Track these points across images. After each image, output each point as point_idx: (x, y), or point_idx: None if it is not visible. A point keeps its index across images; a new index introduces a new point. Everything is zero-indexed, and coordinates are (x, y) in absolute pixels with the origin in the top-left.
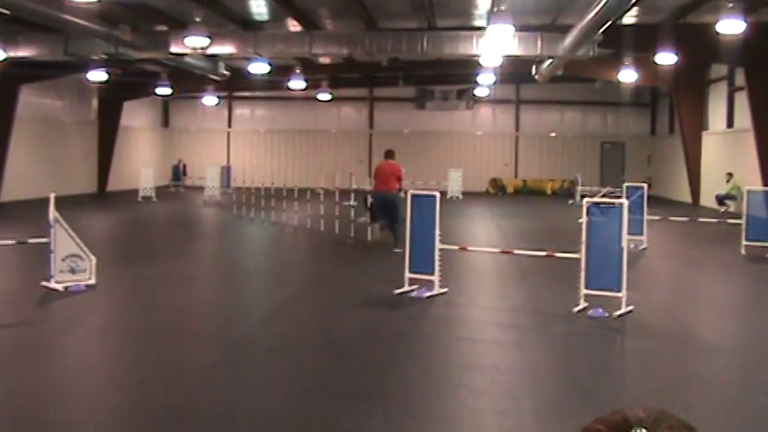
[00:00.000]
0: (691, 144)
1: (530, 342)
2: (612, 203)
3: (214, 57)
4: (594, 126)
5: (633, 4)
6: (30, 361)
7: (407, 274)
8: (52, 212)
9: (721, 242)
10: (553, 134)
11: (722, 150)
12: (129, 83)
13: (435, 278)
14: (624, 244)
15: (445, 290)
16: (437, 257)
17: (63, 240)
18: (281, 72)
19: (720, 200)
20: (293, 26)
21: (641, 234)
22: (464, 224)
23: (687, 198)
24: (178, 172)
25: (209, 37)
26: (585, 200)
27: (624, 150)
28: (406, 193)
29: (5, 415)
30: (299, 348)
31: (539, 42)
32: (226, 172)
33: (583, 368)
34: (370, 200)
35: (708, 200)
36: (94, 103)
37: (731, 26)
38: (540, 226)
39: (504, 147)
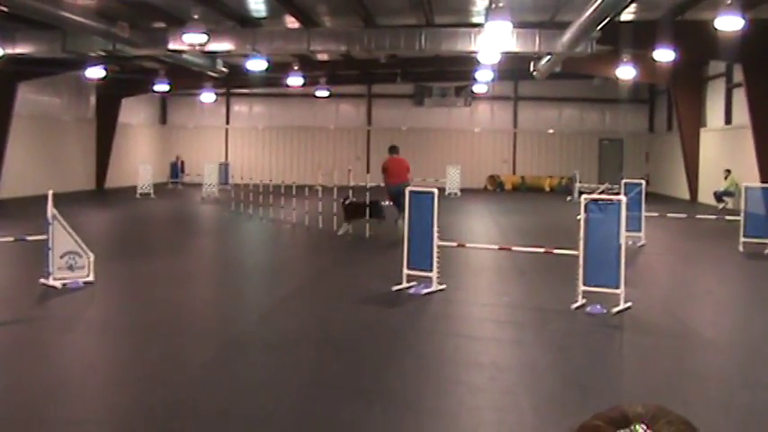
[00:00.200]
0: (689, 141)
1: (528, 339)
2: (611, 200)
3: (212, 54)
4: (593, 123)
5: (631, 1)
6: (28, 358)
7: (405, 271)
8: (50, 209)
9: (719, 239)
10: (551, 131)
11: (720, 147)
12: (128, 80)
13: (433, 275)
14: (622, 241)
15: (443, 286)
16: (435, 254)
17: (61, 237)
18: (279, 69)
19: (718, 196)
20: (291, 23)
21: (639, 231)
22: (462, 221)
23: (685, 195)
24: (176, 169)
25: (206, 34)
26: (584, 197)
27: (622, 147)
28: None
29: (4, 412)
30: (298, 345)
31: (537, 39)
32: (224, 169)
33: (581, 365)
34: (347, 200)
35: (706, 197)
36: (92, 100)
37: (729, 23)
38: (539, 223)
39: (503, 144)
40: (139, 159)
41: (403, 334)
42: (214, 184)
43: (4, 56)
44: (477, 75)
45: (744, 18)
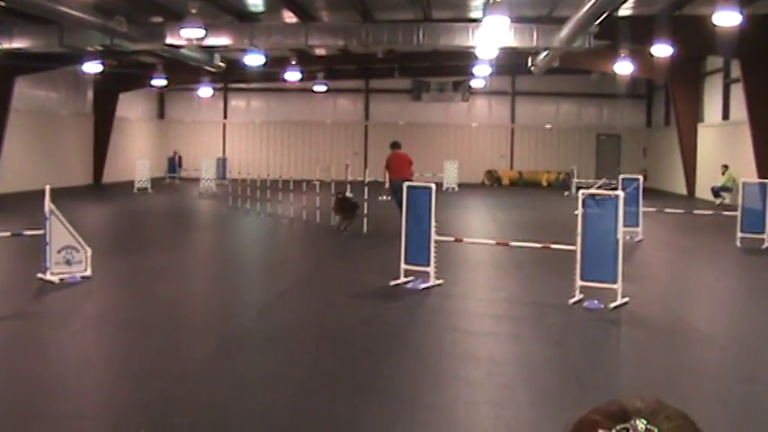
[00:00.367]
0: (686, 136)
1: (525, 333)
2: (608, 195)
3: (210, 48)
4: (590, 118)
5: None
6: (25, 353)
7: (403, 266)
8: (48, 204)
9: (717, 234)
10: (549, 126)
11: (718, 142)
12: (125, 74)
13: (431, 269)
14: (620, 235)
15: (441, 281)
16: (433, 249)
17: (59, 232)
18: (276, 63)
19: (716, 192)
20: (289, 17)
21: (637, 226)
22: (460, 216)
23: (683, 190)
24: (174, 163)
25: (204, 28)
26: (581, 191)
27: (620, 142)
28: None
29: (1, 407)
30: (295, 339)
31: (535, 34)
32: (221, 163)
33: (579, 359)
34: (340, 194)
35: (703, 192)
36: (90, 94)
37: (727, 18)
38: (536, 218)
39: (500, 138)
40: (137, 154)
41: (400, 329)
42: (212, 178)
43: (1, 50)
44: (475, 70)
45: (741, 13)
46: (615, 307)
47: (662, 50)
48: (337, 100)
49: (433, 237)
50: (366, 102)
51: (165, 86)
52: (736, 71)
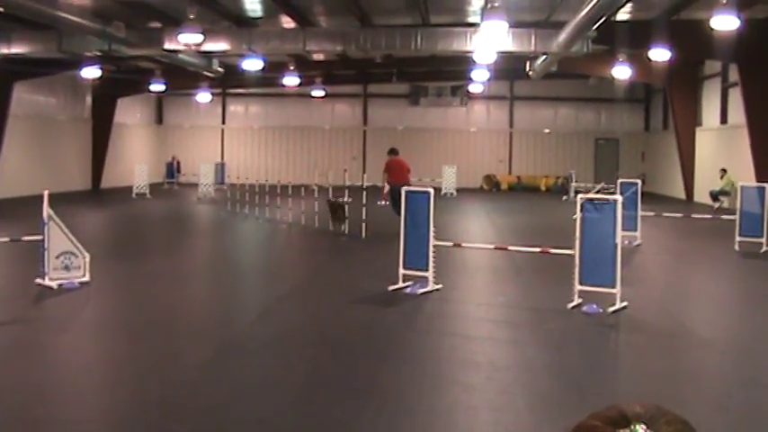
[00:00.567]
0: (684, 140)
1: (524, 338)
2: (606, 200)
3: (208, 53)
4: (588, 122)
5: (627, 1)
6: (24, 359)
7: (402, 271)
8: (46, 210)
9: (715, 238)
10: (547, 130)
11: (716, 146)
12: (123, 80)
13: (429, 274)
14: (618, 240)
15: (439, 286)
16: (431, 254)
17: (57, 238)
18: (274, 69)
19: (714, 196)
20: (287, 23)
21: (635, 230)
22: (458, 220)
23: (681, 194)
24: (172, 169)
25: (202, 34)
26: (580, 196)
27: (618, 147)
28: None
29: (1, 414)
30: (294, 345)
31: (533, 39)
32: (220, 169)
33: (577, 364)
34: (331, 201)
35: (702, 196)
36: (88, 100)
37: (725, 22)
38: (535, 222)
39: (499, 143)
40: (135, 159)
41: (399, 334)
42: (210, 184)
43: None
44: (473, 74)
45: (739, 18)
46: (614, 311)
47: (660, 55)
48: (335, 105)
49: (432, 242)
50: (364, 107)
51: (164, 92)
52: (734, 75)
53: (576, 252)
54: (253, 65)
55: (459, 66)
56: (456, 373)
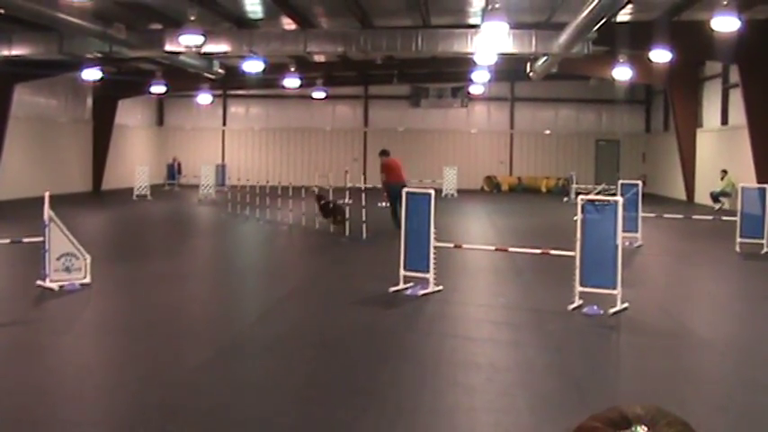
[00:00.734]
0: (685, 141)
1: (525, 340)
2: (607, 201)
3: (209, 55)
4: (589, 123)
5: (627, 2)
6: (25, 360)
7: (402, 272)
8: (47, 211)
9: (716, 239)
10: (548, 132)
11: (717, 147)
12: (124, 81)
13: (430, 276)
14: (619, 241)
15: (440, 288)
16: (432, 255)
17: (58, 239)
18: (275, 70)
19: (715, 197)
20: (288, 24)
21: (636, 231)
22: (459, 222)
23: (682, 195)
24: (173, 170)
25: (203, 35)
26: (580, 197)
27: (619, 148)
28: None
29: (1, 415)
30: (295, 346)
31: (533, 40)
32: (220, 170)
33: (578, 365)
34: (322, 201)
35: (702, 197)
36: (89, 101)
37: (725, 23)
38: (535, 223)
39: (499, 144)
40: (136, 161)
41: (400, 335)
42: (211, 185)
43: (0, 57)
44: (474, 76)
45: (740, 19)
46: (614, 313)
47: (660, 56)
48: (336, 106)
49: (433, 243)
50: (365, 108)
51: (165, 93)
52: (734, 76)
53: (577, 253)
54: (253, 66)
55: (459, 67)
56: (457, 374)
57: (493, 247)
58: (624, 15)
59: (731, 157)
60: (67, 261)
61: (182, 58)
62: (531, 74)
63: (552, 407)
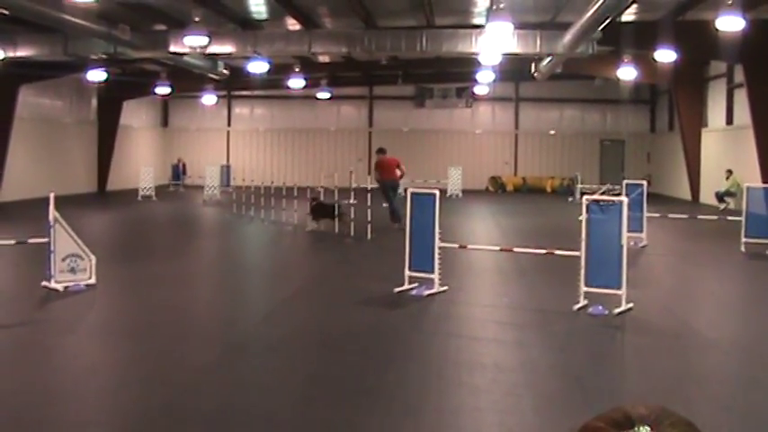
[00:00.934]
0: (690, 141)
1: (530, 340)
2: (612, 201)
3: (213, 56)
4: (594, 123)
5: (632, 2)
6: (30, 361)
7: (407, 273)
8: (52, 212)
9: (721, 239)
10: (552, 132)
11: (722, 147)
12: (129, 82)
13: (435, 276)
14: (624, 241)
15: (445, 288)
16: (437, 255)
17: (63, 240)
18: (280, 71)
19: (720, 197)
20: (292, 25)
21: (641, 231)
22: (464, 222)
23: (687, 195)
24: (178, 171)
25: (208, 36)
26: (585, 197)
27: (624, 148)
28: (405, 190)
29: (6, 415)
30: (300, 346)
31: (538, 40)
32: (225, 171)
33: (583, 365)
34: (315, 201)
35: (707, 197)
36: (94, 102)
37: (730, 23)
38: (540, 224)
39: (504, 145)
40: (141, 162)
41: (405, 335)
42: (215, 186)
43: (5, 58)
44: (479, 76)
45: (744, 18)
46: (619, 313)
47: (665, 56)
48: (341, 107)
49: (438, 243)
50: (370, 109)
51: (169, 94)
52: (739, 76)
53: (582, 253)
54: (258, 67)
55: (464, 67)
56: (462, 374)
57: (498, 248)
58: (629, 15)
59: (736, 157)
60: (72, 262)
61: (186, 58)
62: (535, 74)
63: (557, 407)
